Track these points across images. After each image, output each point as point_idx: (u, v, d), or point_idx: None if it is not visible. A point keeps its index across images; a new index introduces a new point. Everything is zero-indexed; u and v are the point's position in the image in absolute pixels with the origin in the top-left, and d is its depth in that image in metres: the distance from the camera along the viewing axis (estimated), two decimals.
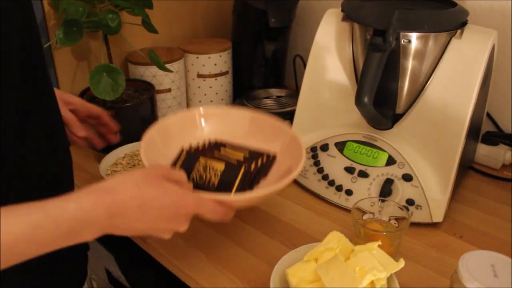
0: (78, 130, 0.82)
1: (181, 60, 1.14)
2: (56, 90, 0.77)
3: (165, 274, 0.79)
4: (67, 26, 0.91)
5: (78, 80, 1.11)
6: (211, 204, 0.60)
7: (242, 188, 0.69)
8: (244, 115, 0.84)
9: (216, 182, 0.69)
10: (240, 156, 0.75)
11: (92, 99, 1.02)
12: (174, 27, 1.25)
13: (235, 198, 0.65)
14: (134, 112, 1.03)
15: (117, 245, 0.95)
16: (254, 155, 0.76)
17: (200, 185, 0.69)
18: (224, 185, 0.69)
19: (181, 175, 0.61)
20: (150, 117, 1.07)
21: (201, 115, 0.84)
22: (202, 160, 0.72)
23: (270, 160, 0.77)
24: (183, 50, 1.17)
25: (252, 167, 0.72)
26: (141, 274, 0.90)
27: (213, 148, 0.78)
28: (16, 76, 0.56)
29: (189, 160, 0.73)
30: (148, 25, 1.01)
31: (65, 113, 0.80)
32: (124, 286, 0.99)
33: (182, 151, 0.76)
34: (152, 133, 0.75)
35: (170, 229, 0.58)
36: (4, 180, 0.57)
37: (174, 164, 0.74)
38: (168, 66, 1.05)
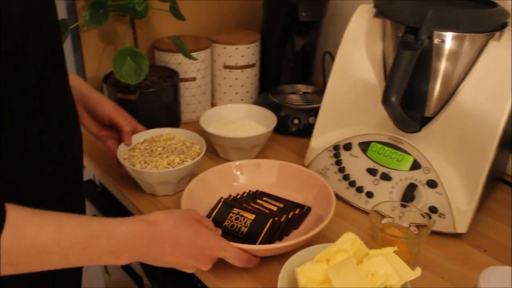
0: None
1: (207, 50, 1.12)
2: (94, 92, 0.87)
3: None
4: (94, 7, 0.91)
5: (103, 63, 1.10)
6: (235, 250, 0.66)
7: (269, 238, 0.74)
8: (273, 164, 0.89)
9: (245, 231, 0.74)
10: (274, 207, 0.81)
11: (116, 82, 1.02)
12: (203, 16, 1.23)
13: (255, 247, 0.70)
14: (156, 98, 1.02)
15: None
16: (289, 207, 0.81)
17: (230, 233, 0.75)
18: (251, 234, 0.74)
19: (209, 222, 0.69)
20: (173, 104, 1.06)
21: (236, 167, 0.89)
22: (235, 210, 0.78)
23: (303, 212, 0.80)
24: (211, 40, 1.15)
25: (283, 218, 0.76)
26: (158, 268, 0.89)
27: (251, 199, 0.83)
28: (38, 57, 0.58)
29: (224, 209, 0.79)
30: (175, 12, 1.00)
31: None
32: (139, 277, 0.98)
33: (220, 200, 0.82)
34: (192, 185, 0.82)
35: (194, 267, 0.64)
36: (23, 156, 0.58)
37: (212, 212, 0.79)
38: (194, 54, 1.04)
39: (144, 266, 0.95)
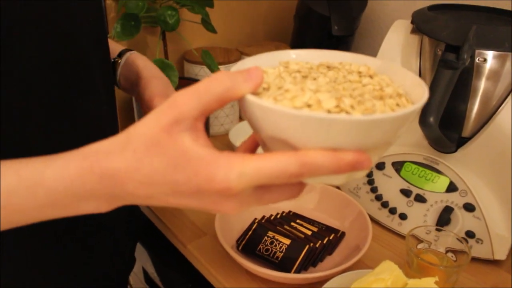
0: None
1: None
2: (147, 69, 0.71)
3: (202, 282, 0.76)
4: (125, 20, 0.90)
5: None
6: (256, 172, 0.36)
7: (304, 265, 0.71)
8: (314, 187, 0.86)
9: (280, 257, 0.71)
10: (309, 231, 0.77)
11: None
12: (234, 28, 1.23)
13: (291, 276, 0.67)
14: None
15: (156, 246, 0.93)
16: (323, 231, 0.79)
17: (265, 258, 0.72)
18: (287, 261, 0.71)
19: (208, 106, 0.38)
20: None
21: None
22: (270, 233, 0.75)
23: (337, 237, 0.78)
24: (241, 52, 1.14)
25: (318, 244, 0.74)
26: (177, 278, 0.87)
27: (285, 221, 0.80)
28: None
29: (259, 232, 0.76)
30: (207, 24, 0.99)
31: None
32: (158, 287, 0.97)
33: (254, 222, 0.79)
34: None
35: (203, 208, 0.40)
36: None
37: (245, 234, 0.76)
38: (223, 67, 1.02)
39: (162, 277, 0.93)
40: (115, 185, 0.39)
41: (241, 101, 0.39)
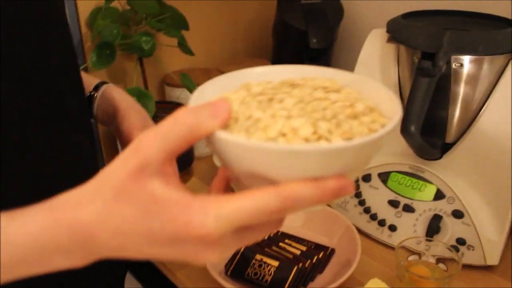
0: None
1: None
2: (123, 101, 0.71)
3: None
4: (100, 49, 0.90)
5: None
6: (238, 212, 0.34)
7: (294, 285, 0.70)
8: None
9: (269, 280, 0.70)
10: (297, 251, 0.76)
11: None
12: (212, 47, 1.22)
13: None
14: None
15: (145, 274, 0.91)
16: (312, 250, 0.78)
17: (254, 282, 0.71)
18: (276, 283, 0.70)
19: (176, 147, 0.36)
20: None
21: None
22: (258, 256, 0.73)
23: (327, 255, 0.77)
24: (221, 72, 1.13)
25: (307, 263, 0.73)
26: None
27: (273, 241, 0.79)
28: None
29: (247, 255, 0.74)
30: (184, 47, 0.98)
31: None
32: None
33: None
34: None
35: (180, 258, 0.37)
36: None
37: (233, 258, 0.74)
38: None
39: None
40: (86, 238, 0.36)
41: (209, 137, 0.35)
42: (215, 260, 0.37)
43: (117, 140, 0.97)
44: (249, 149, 0.33)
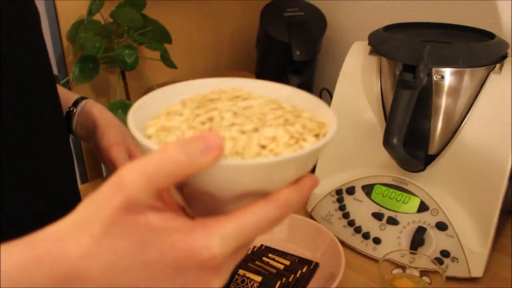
0: None
1: None
2: (102, 119, 0.70)
3: None
4: (83, 62, 0.89)
5: None
6: (234, 236, 0.32)
7: None
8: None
9: None
10: (281, 265, 0.75)
11: None
12: (196, 60, 1.22)
13: None
14: None
15: None
16: (295, 264, 0.77)
17: None
18: None
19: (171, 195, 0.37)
20: None
21: None
22: (241, 271, 0.72)
23: (311, 269, 0.76)
24: None
25: (291, 278, 0.72)
26: None
27: (256, 256, 0.78)
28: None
29: None
30: (166, 60, 0.98)
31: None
32: None
33: None
34: None
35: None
36: None
37: None
38: None
39: None
40: (71, 277, 0.32)
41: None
42: (219, 286, 0.34)
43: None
44: (254, 168, 0.32)
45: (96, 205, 0.32)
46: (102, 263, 0.32)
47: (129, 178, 0.31)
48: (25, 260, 0.32)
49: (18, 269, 0.32)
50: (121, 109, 0.89)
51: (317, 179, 0.35)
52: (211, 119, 0.37)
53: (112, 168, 0.68)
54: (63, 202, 0.60)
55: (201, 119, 0.37)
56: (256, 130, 0.35)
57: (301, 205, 0.35)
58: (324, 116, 0.39)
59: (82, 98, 0.73)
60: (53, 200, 0.59)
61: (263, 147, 0.34)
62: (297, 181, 0.34)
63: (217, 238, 0.31)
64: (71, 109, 0.72)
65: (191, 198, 0.36)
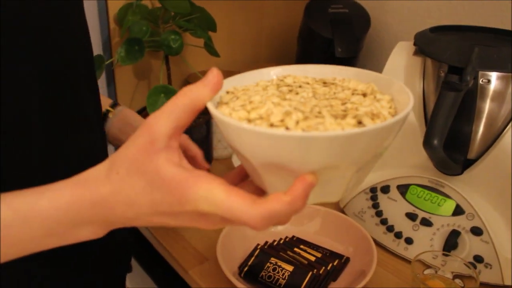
0: None
1: None
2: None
3: None
4: (129, 44, 0.91)
5: (136, 99, 1.10)
6: (236, 200, 0.37)
7: None
8: (317, 210, 0.85)
9: (282, 284, 0.70)
10: (312, 257, 0.76)
11: None
12: (236, 50, 1.23)
13: None
14: (189, 135, 1.00)
15: (157, 271, 0.92)
16: (327, 257, 0.77)
17: (267, 284, 0.70)
18: (290, 287, 0.69)
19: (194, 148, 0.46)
20: (205, 140, 1.04)
21: None
22: (273, 260, 0.73)
23: (342, 263, 0.76)
24: None
25: (322, 270, 0.72)
26: None
27: (288, 246, 0.79)
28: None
29: (261, 258, 0.74)
30: (210, 48, 0.99)
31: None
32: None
33: (256, 248, 0.77)
34: (227, 230, 0.77)
35: (184, 225, 0.41)
36: None
37: (248, 260, 0.74)
38: None
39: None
40: (106, 209, 0.40)
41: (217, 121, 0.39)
42: (210, 228, 0.41)
43: None
44: (231, 127, 0.37)
45: (124, 147, 0.40)
46: (125, 198, 0.39)
47: (153, 119, 0.39)
48: (73, 198, 0.40)
49: (69, 205, 0.40)
50: (163, 93, 0.91)
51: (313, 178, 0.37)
52: (290, 91, 0.43)
53: None
54: None
55: (282, 89, 0.44)
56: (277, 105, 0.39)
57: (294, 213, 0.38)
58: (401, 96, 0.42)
59: (116, 103, 0.76)
60: None
61: (261, 118, 0.38)
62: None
63: (202, 196, 0.37)
64: (108, 110, 0.75)
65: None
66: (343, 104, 0.41)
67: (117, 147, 0.78)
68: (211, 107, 0.39)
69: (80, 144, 0.59)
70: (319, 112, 0.38)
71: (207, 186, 0.37)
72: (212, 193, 0.37)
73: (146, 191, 0.39)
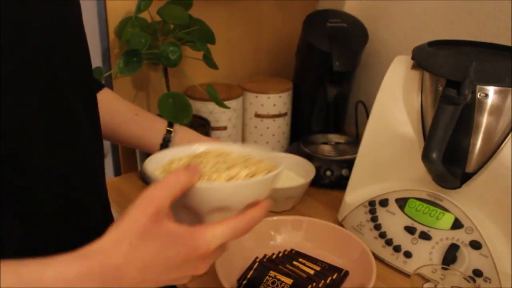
0: None
1: (239, 98, 1.11)
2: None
3: None
4: (128, 56, 0.91)
5: None
6: (229, 231, 0.49)
7: None
8: (316, 223, 0.85)
9: None
10: (311, 270, 0.76)
11: None
12: (236, 64, 1.23)
13: None
14: None
15: None
16: (326, 270, 0.77)
17: None
18: None
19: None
20: None
21: (274, 224, 0.85)
22: (272, 273, 0.74)
23: (341, 276, 0.76)
24: (243, 88, 1.14)
25: (321, 284, 0.72)
26: None
27: (287, 259, 0.79)
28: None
29: (260, 271, 0.75)
30: (209, 61, 0.99)
31: None
32: None
33: (255, 261, 0.77)
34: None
35: (184, 277, 0.50)
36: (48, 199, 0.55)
37: (247, 273, 0.74)
38: (226, 103, 1.03)
39: None
40: (115, 278, 0.44)
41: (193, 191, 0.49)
42: (203, 272, 0.50)
43: (137, 153, 0.98)
44: (219, 189, 0.51)
45: (132, 218, 0.45)
46: (139, 264, 0.45)
47: (157, 193, 0.46)
48: (82, 270, 0.42)
49: (78, 278, 0.42)
50: (171, 98, 0.92)
51: (268, 204, 0.53)
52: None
53: None
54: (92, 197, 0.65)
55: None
56: (228, 168, 0.53)
57: (260, 221, 0.52)
58: (276, 163, 0.56)
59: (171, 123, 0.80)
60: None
61: (231, 178, 0.52)
62: (256, 203, 0.52)
63: (210, 237, 0.47)
64: (168, 130, 0.79)
65: (181, 212, 0.51)
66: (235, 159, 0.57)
67: None
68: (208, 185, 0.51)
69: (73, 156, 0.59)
70: (247, 166, 0.55)
71: (210, 229, 0.48)
72: (215, 231, 0.48)
73: (162, 251, 0.46)
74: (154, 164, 0.56)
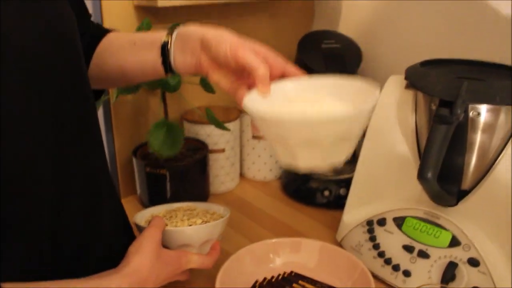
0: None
1: (237, 120, 1.12)
2: (210, 29, 0.68)
3: None
4: None
5: (133, 136, 1.11)
6: (199, 259, 0.74)
7: None
8: (314, 244, 0.86)
9: None
10: None
11: (145, 156, 1.02)
12: None
13: None
14: (186, 172, 1.01)
15: None
16: None
17: None
18: None
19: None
20: (202, 177, 1.05)
21: (274, 246, 0.86)
22: None
23: None
24: (240, 110, 1.15)
25: None
26: None
27: (286, 282, 0.80)
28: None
29: None
30: (206, 85, 1.01)
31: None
32: None
33: (255, 283, 0.79)
34: (227, 266, 0.78)
35: (170, 281, 0.73)
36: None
37: None
38: (225, 125, 1.04)
39: None
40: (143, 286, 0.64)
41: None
42: (184, 279, 0.76)
43: (134, 167, 0.99)
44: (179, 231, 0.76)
45: (148, 245, 0.67)
46: (155, 275, 0.66)
47: (154, 230, 0.70)
48: (122, 282, 0.61)
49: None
50: (165, 128, 0.93)
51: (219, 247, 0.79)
52: (171, 217, 0.82)
53: (248, 67, 0.65)
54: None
55: (167, 217, 0.82)
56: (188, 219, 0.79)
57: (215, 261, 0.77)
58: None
59: (172, 30, 0.70)
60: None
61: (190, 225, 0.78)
62: (212, 247, 0.79)
63: (187, 261, 0.73)
64: (165, 40, 0.69)
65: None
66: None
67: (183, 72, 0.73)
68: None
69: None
70: (198, 214, 0.85)
71: (188, 256, 0.73)
72: (192, 257, 0.73)
73: (165, 269, 0.69)
74: (139, 219, 0.83)
